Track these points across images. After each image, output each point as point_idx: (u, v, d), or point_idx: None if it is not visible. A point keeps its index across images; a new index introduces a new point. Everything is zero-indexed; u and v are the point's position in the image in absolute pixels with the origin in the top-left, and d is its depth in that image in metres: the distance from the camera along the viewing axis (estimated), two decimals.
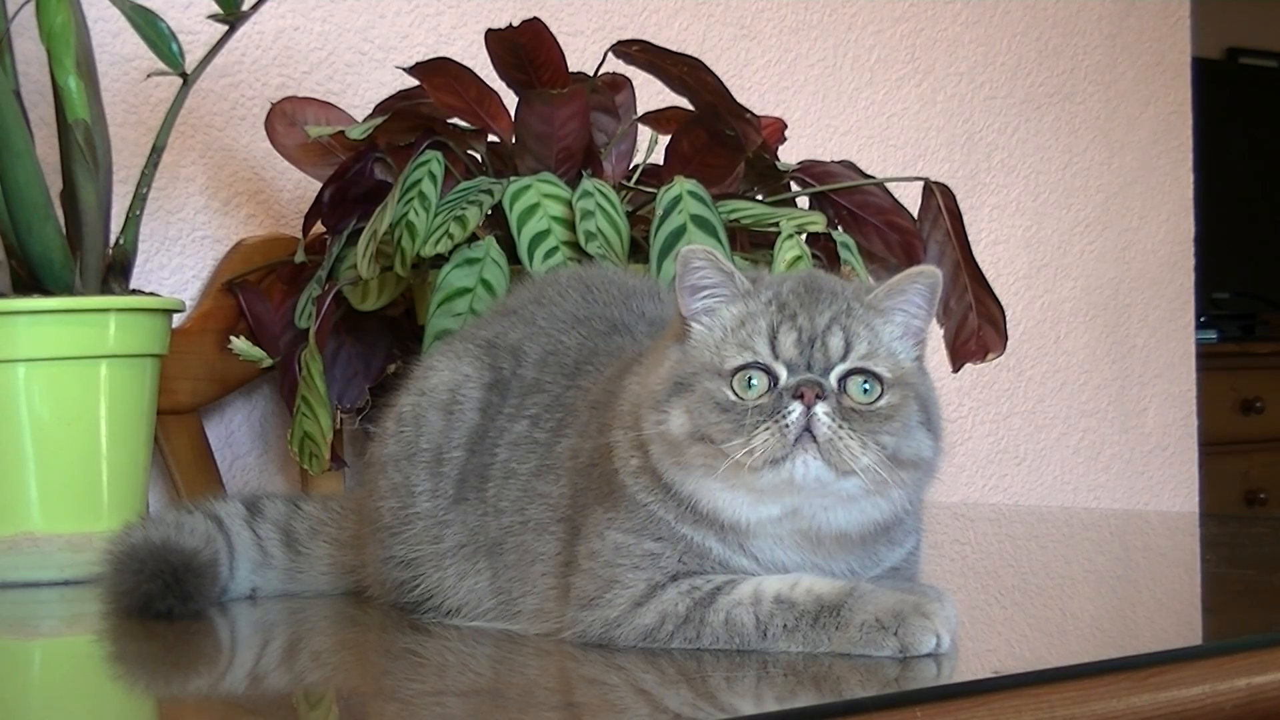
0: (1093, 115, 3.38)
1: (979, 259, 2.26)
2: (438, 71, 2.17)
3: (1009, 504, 3.10)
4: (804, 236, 2.10)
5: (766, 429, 1.39)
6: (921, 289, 1.49)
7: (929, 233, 2.23)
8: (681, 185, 2.05)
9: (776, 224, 2.10)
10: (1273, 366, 5.84)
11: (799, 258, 2.06)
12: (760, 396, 1.41)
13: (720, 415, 1.41)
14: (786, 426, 1.39)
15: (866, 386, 1.43)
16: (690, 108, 2.21)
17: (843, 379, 1.43)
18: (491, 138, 2.21)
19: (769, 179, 2.26)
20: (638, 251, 2.06)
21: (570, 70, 2.17)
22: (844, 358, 1.43)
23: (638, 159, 2.28)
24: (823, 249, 2.14)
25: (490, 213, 2.07)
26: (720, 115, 2.16)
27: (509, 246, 2.05)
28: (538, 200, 2.05)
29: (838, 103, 3.04)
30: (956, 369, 2.26)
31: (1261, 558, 2.33)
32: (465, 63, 2.18)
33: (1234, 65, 6.63)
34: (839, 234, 2.16)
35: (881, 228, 2.22)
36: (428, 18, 2.60)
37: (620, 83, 2.26)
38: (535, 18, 2.14)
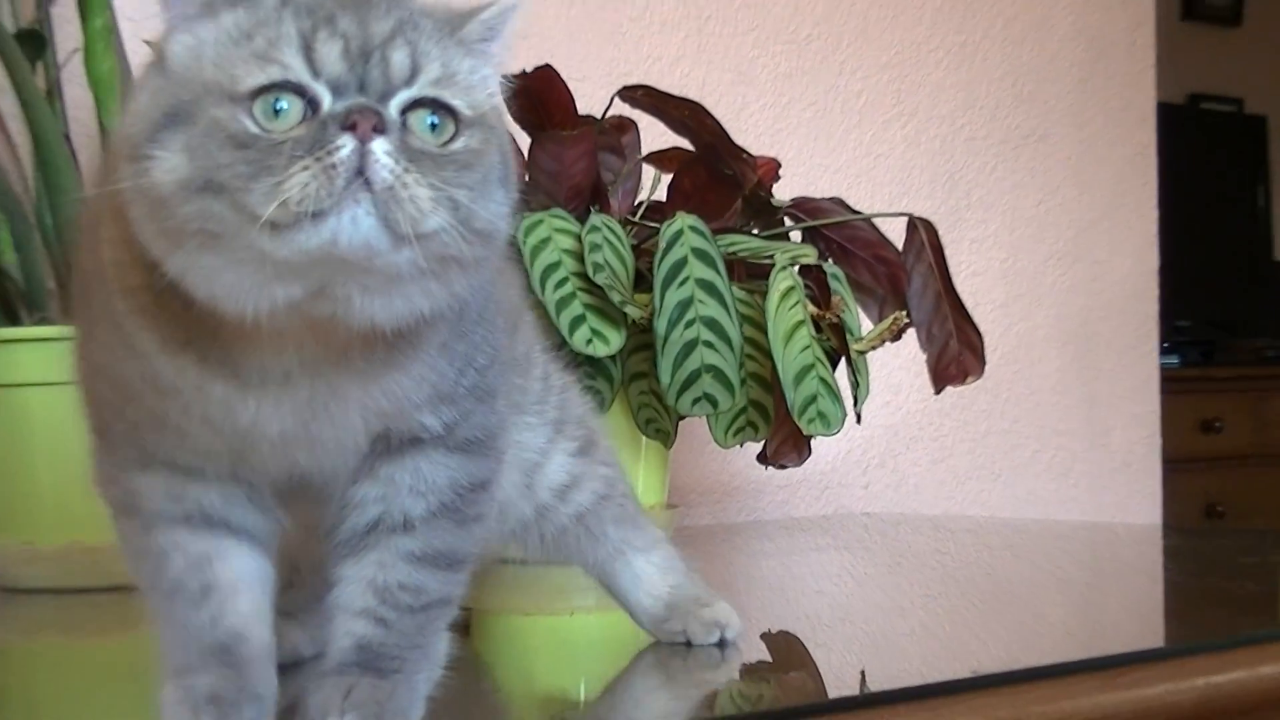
0: (1064, 156, 3.42)
1: (959, 289, 2.27)
2: None
3: (986, 516, 3.13)
4: (797, 268, 2.12)
5: (305, 168, 0.95)
6: (510, 27, 1.11)
7: (913, 265, 2.24)
8: (683, 220, 2.07)
9: (771, 256, 2.12)
10: (1231, 389, 5.87)
11: (792, 288, 2.08)
12: (295, 127, 0.98)
13: (236, 153, 0.97)
14: (333, 166, 0.95)
15: (435, 122, 1.02)
16: (691, 148, 2.24)
17: (406, 109, 1.02)
18: None
19: (764, 214, 2.27)
20: (642, 282, 2.08)
21: (579, 113, 2.20)
22: (410, 81, 1.02)
23: (642, 195, 2.28)
24: (815, 280, 2.15)
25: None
26: (719, 155, 2.19)
27: (523, 277, 2.03)
28: (549, 234, 2.07)
29: (828, 143, 3.07)
30: (938, 391, 2.28)
31: (1219, 567, 2.35)
32: None
33: (1195, 110, 6.63)
34: (830, 266, 2.17)
35: (869, 260, 2.24)
36: None
37: (626, 125, 2.28)
38: (547, 65, 2.16)
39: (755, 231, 2.23)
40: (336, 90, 1.00)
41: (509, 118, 2.17)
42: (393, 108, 1.01)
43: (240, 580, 1.17)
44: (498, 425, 1.23)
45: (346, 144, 0.97)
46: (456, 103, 1.04)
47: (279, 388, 1.08)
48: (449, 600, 1.20)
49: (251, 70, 0.99)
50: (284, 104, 0.99)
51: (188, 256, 1.00)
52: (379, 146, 0.97)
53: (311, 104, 0.99)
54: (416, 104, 1.02)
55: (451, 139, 1.03)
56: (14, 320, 2.03)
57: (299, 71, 1.00)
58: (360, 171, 0.97)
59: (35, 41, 2.10)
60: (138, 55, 2.09)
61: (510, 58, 1.13)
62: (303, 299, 1.01)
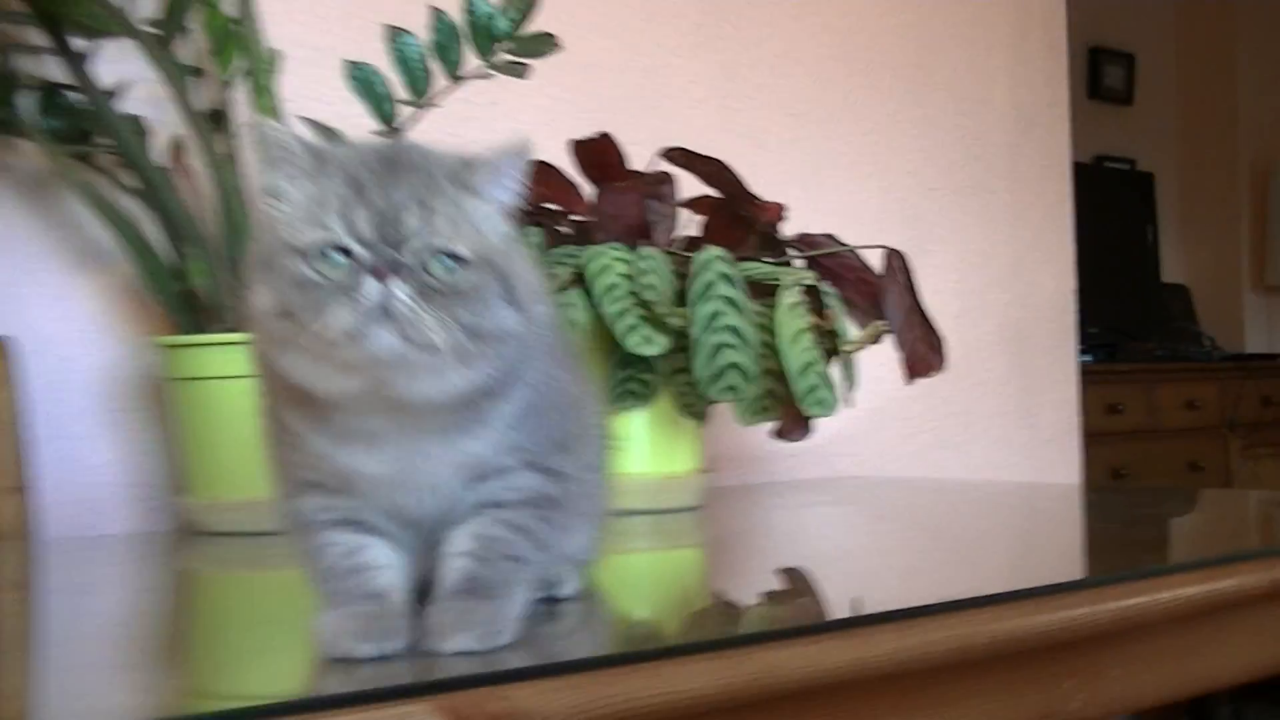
0: (1003, 202, 3.41)
1: (924, 304, 2.26)
2: (536, 170, 2.17)
3: (946, 478, 3.11)
4: (799, 288, 2.11)
5: (343, 306, 1.04)
6: (514, 164, 1.16)
7: (888, 285, 2.23)
8: (711, 251, 2.07)
9: (778, 279, 2.11)
10: (1129, 380, 5.85)
11: (796, 303, 2.08)
12: (337, 273, 1.05)
13: (299, 293, 1.06)
14: (361, 303, 1.04)
15: (448, 265, 1.07)
16: (717, 196, 2.23)
17: (419, 256, 1.07)
18: (575, 217, 2.22)
19: (773, 247, 2.26)
20: (680, 298, 2.06)
21: (631, 169, 2.20)
22: (421, 235, 1.07)
23: (679, 232, 2.27)
24: (813, 297, 2.13)
25: (574, 271, 2.07)
26: (738, 201, 2.19)
27: (588, 295, 2.06)
28: (608, 262, 2.06)
29: (822, 191, 3.06)
30: (910, 382, 2.26)
31: (1123, 516, 2.33)
32: (556, 163, 2.21)
33: (1100, 168, 6.63)
34: (825, 286, 2.16)
35: (855, 282, 2.23)
36: (528, 131, 2.61)
37: (666, 178, 2.26)
38: (606, 133, 2.17)
39: (766, 260, 2.21)
40: (367, 246, 1.06)
41: (575, 164, 2.18)
42: (407, 256, 1.06)
43: (382, 563, 1.18)
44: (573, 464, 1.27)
45: (371, 286, 1.05)
46: (459, 248, 1.08)
47: (367, 444, 1.14)
48: (532, 558, 1.21)
49: (308, 233, 1.07)
50: (331, 257, 1.06)
51: (282, 355, 1.09)
52: (396, 287, 1.05)
53: (349, 256, 1.06)
54: (426, 252, 1.07)
55: (455, 275, 1.08)
56: (203, 329, 2.03)
57: (339, 234, 1.06)
58: (383, 307, 1.05)
59: (219, 118, 2.11)
60: (296, 127, 2.09)
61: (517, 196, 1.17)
62: (364, 385, 1.09)
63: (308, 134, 1.13)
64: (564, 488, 1.23)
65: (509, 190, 1.16)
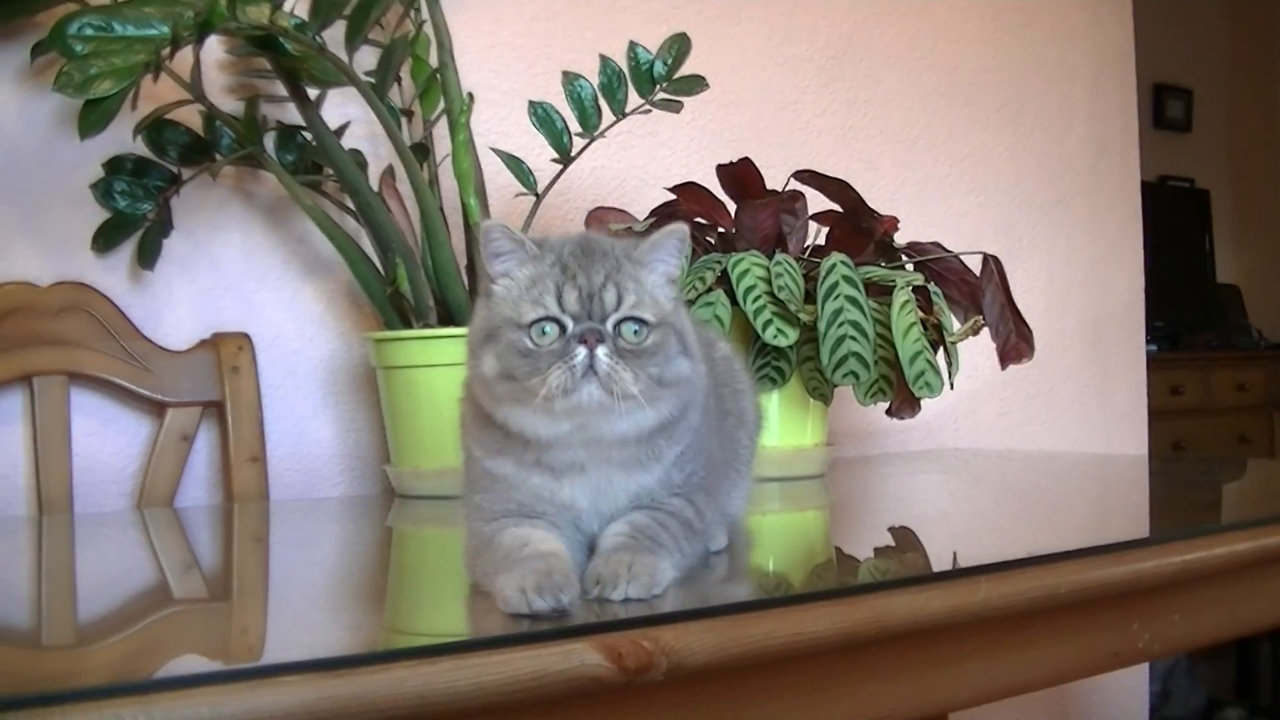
0: (1082, 215, 3.31)
1: (1017, 301, 2.19)
2: (688, 190, 2.15)
3: (1033, 451, 3.04)
4: (910, 288, 2.05)
5: (558, 369, 1.11)
6: (674, 243, 1.20)
7: (986, 285, 2.16)
8: (836, 257, 2.02)
9: (893, 281, 2.05)
10: (1189, 366, 5.79)
11: (907, 301, 2.02)
12: (552, 343, 1.12)
13: (521, 359, 1.13)
14: (574, 366, 1.11)
15: (636, 330, 1.14)
16: (840, 210, 2.17)
17: (617, 325, 1.14)
18: (720, 229, 2.18)
19: (888, 253, 2.20)
20: (809, 298, 2.02)
21: (767, 188, 2.14)
22: (617, 308, 1.14)
23: (809, 242, 2.22)
24: (922, 295, 2.08)
25: (719, 275, 2.04)
26: (859, 215, 2.13)
27: (731, 295, 2.02)
28: (749, 267, 2.02)
29: (929, 206, 2.99)
30: (1004, 368, 2.19)
31: (1184, 483, 2.29)
32: (704, 184, 2.16)
33: (1164, 186, 6.55)
34: (932, 287, 2.10)
35: (957, 283, 2.17)
36: (681, 157, 2.59)
37: (798, 196, 2.21)
38: (746, 157, 2.12)
39: (882, 264, 2.16)
40: (575, 318, 1.13)
41: (720, 183, 2.15)
42: (608, 325, 1.14)
43: (550, 540, 1.16)
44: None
45: (580, 352, 1.12)
46: (646, 315, 1.15)
47: (579, 475, 1.19)
48: (671, 548, 1.20)
49: (528, 310, 1.14)
50: (547, 329, 1.13)
51: (506, 410, 1.16)
52: (600, 351, 1.12)
53: (561, 328, 1.13)
54: (622, 321, 1.14)
55: (646, 337, 1.15)
56: (408, 325, 2.02)
57: (554, 310, 1.13)
58: (591, 366, 1.11)
59: (422, 150, 2.11)
60: (485, 158, 2.08)
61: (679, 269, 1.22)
62: (573, 429, 1.15)
63: (517, 231, 1.18)
64: (700, 515, 1.24)
65: (671, 262, 1.20)
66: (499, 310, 1.16)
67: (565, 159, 2.01)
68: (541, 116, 2.00)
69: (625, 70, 1.98)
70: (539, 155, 2.04)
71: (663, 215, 2.15)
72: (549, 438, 1.16)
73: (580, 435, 1.16)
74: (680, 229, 1.20)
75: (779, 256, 2.04)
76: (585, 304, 1.13)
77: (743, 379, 1.45)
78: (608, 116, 2.00)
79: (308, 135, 2.07)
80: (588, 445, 1.17)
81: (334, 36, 1.86)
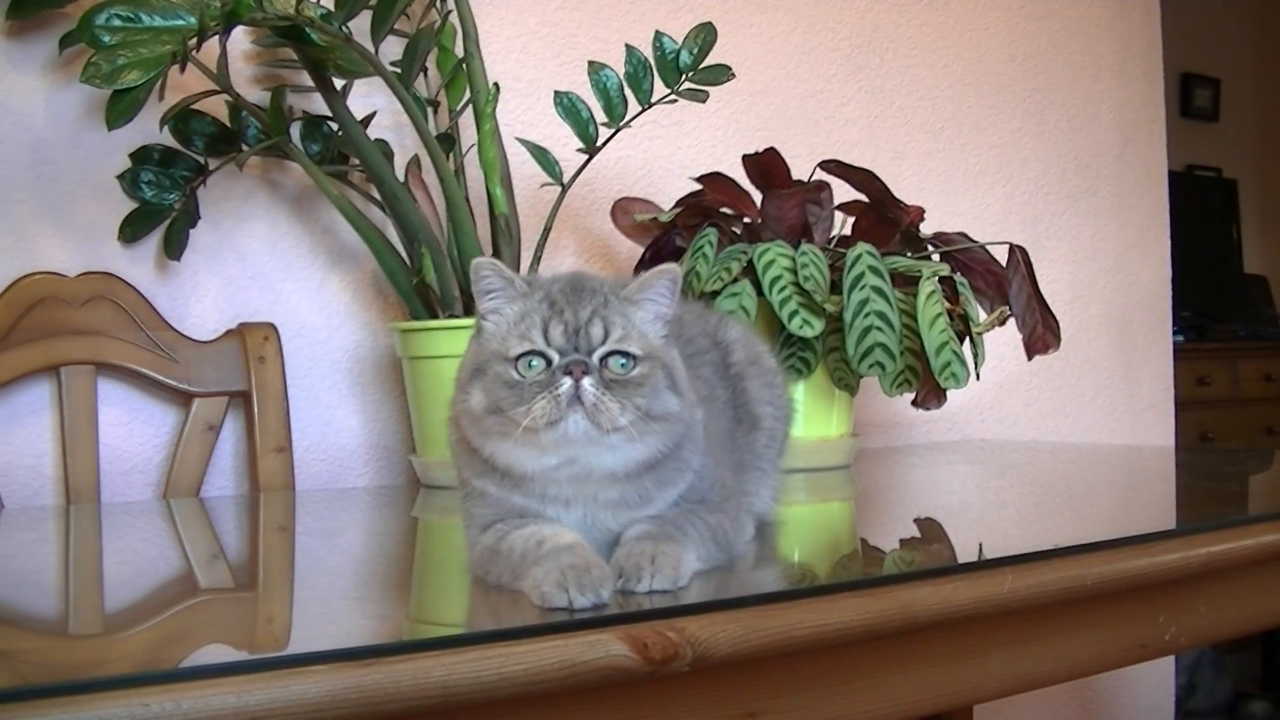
0: (1109, 205, 3.29)
1: (1043, 291, 2.18)
2: (713, 180, 2.15)
3: (1059, 442, 3.03)
4: (936, 278, 2.04)
5: (544, 399, 1.11)
6: (666, 283, 1.19)
7: (1012, 276, 2.15)
8: (861, 248, 2.02)
9: (919, 271, 2.05)
10: (1216, 357, 5.74)
11: (933, 291, 2.01)
12: (539, 375, 1.13)
13: (507, 391, 1.13)
14: (559, 395, 1.11)
15: (623, 362, 1.14)
16: (866, 200, 2.16)
17: (603, 358, 1.14)
18: (746, 219, 2.17)
19: (914, 244, 2.20)
20: (835, 288, 2.01)
21: (792, 178, 2.14)
22: (604, 342, 1.14)
23: (834, 232, 2.22)
24: (948, 286, 2.07)
25: (745, 265, 2.03)
26: (884, 205, 2.12)
27: (757, 286, 2.02)
28: (774, 258, 2.01)
29: (954, 196, 2.98)
30: (1030, 358, 2.18)
31: (1210, 473, 2.28)
32: (730, 174, 2.16)
33: (1191, 175, 6.51)
34: (958, 277, 2.09)
35: (983, 273, 2.16)
36: (707, 147, 2.59)
37: (823, 186, 2.21)
38: (772, 147, 2.12)
39: (908, 254, 2.16)
40: (561, 352, 1.13)
41: (745, 173, 2.14)
42: (595, 358, 1.14)
43: (565, 533, 1.16)
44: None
45: (565, 383, 1.12)
46: (632, 348, 1.15)
47: (564, 507, 1.19)
48: (710, 530, 1.22)
49: (515, 344, 1.14)
50: (533, 362, 1.14)
51: (492, 444, 1.17)
52: (586, 382, 1.12)
53: (547, 361, 1.14)
54: (608, 354, 1.14)
55: (632, 369, 1.15)
56: (434, 315, 2.02)
57: (540, 343, 1.14)
58: (576, 397, 1.11)
59: (447, 141, 2.11)
60: (511, 148, 2.08)
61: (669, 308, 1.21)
62: (559, 464, 1.15)
63: (506, 268, 1.19)
64: (722, 527, 1.23)
65: (662, 302, 1.20)
66: (487, 345, 1.17)
67: (591, 149, 2.00)
68: (567, 106, 2.00)
69: (651, 60, 1.98)
70: (564, 145, 2.04)
71: (688, 205, 2.15)
72: (535, 472, 1.17)
73: (567, 470, 1.16)
74: (672, 270, 1.20)
75: (805, 247, 2.03)
76: (571, 338, 1.14)
77: (776, 378, 1.46)
78: (633, 106, 1.99)
79: (333, 125, 2.07)
80: (575, 482, 1.18)
81: (360, 27, 1.86)
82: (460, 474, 1.25)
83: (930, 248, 2.19)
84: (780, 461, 1.47)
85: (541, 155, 2.03)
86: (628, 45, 1.98)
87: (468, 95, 2.08)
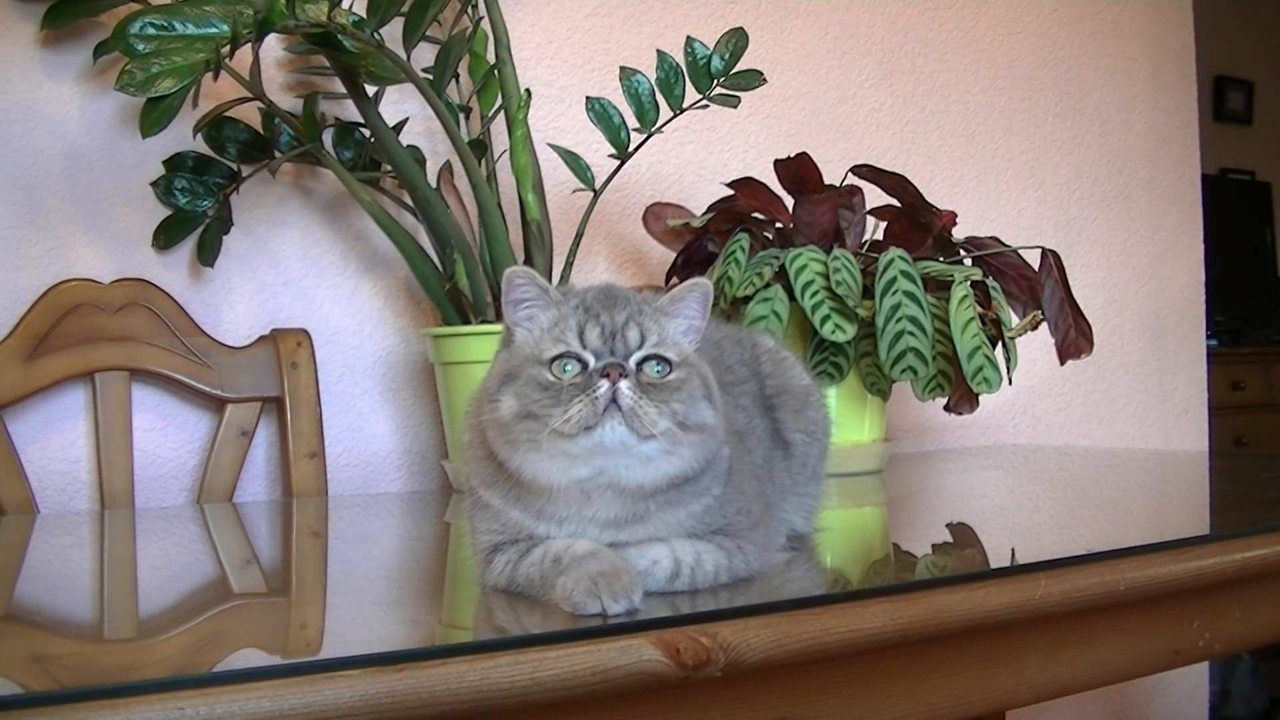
0: (1142, 209, 3.28)
1: (1076, 296, 2.17)
2: (745, 185, 2.15)
3: (1092, 447, 3.01)
4: (969, 283, 2.03)
5: (580, 401, 1.07)
6: (698, 296, 1.17)
7: (1045, 280, 2.15)
8: (894, 252, 2.01)
9: (951, 276, 2.04)
10: (1250, 361, 5.72)
11: (965, 296, 2.01)
12: (574, 377, 1.09)
13: (541, 393, 1.09)
14: (596, 398, 1.07)
15: (659, 367, 1.11)
16: (898, 205, 2.15)
17: (640, 362, 1.11)
18: (778, 224, 2.17)
19: (946, 248, 2.19)
20: (867, 293, 2.01)
21: (824, 183, 2.13)
22: (640, 346, 1.12)
23: (867, 236, 2.22)
24: (980, 290, 2.07)
25: (777, 270, 2.03)
26: (916, 209, 2.11)
27: (789, 291, 2.01)
28: (806, 263, 2.01)
29: (987, 201, 2.97)
30: (1063, 363, 2.17)
31: (1245, 479, 2.26)
32: (762, 179, 2.15)
33: (1224, 179, 6.49)
34: (990, 282, 2.09)
35: (1016, 278, 2.15)
36: (739, 153, 2.58)
37: (855, 190, 2.20)
38: (804, 152, 2.11)
39: (940, 259, 2.15)
40: (598, 355, 1.11)
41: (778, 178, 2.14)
42: (631, 362, 1.11)
43: (584, 541, 1.15)
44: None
45: (603, 385, 1.09)
46: (668, 354, 1.13)
47: (558, 526, 1.15)
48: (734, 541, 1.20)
49: (550, 347, 1.12)
50: (569, 365, 1.11)
51: (519, 455, 1.12)
52: (623, 385, 1.09)
53: (583, 364, 1.11)
54: (645, 358, 1.12)
55: (669, 374, 1.12)
56: (466, 321, 2.02)
57: (576, 346, 1.11)
58: (613, 400, 1.08)
59: (480, 146, 2.11)
60: (543, 153, 2.09)
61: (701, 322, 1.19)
62: (591, 474, 1.11)
63: (540, 277, 1.17)
64: (745, 549, 1.21)
65: (693, 315, 1.18)
66: (520, 351, 1.14)
67: (623, 154, 2.00)
68: (599, 112, 2.00)
69: (683, 65, 1.98)
70: (596, 151, 2.04)
71: (720, 210, 2.14)
72: (562, 485, 1.12)
73: (594, 482, 1.12)
74: (704, 284, 1.18)
75: (837, 251, 2.03)
76: (608, 341, 1.12)
77: (809, 398, 1.44)
78: (665, 112, 1.99)
79: (366, 132, 2.08)
80: (605, 495, 1.13)
81: (392, 34, 1.86)
82: (469, 481, 1.21)
83: (962, 252, 2.18)
84: (815, 485, 1.45)
85: (574, 161, 2.03)
86: (659, 51, 1.98)
87: (500, 101, 2.08)
